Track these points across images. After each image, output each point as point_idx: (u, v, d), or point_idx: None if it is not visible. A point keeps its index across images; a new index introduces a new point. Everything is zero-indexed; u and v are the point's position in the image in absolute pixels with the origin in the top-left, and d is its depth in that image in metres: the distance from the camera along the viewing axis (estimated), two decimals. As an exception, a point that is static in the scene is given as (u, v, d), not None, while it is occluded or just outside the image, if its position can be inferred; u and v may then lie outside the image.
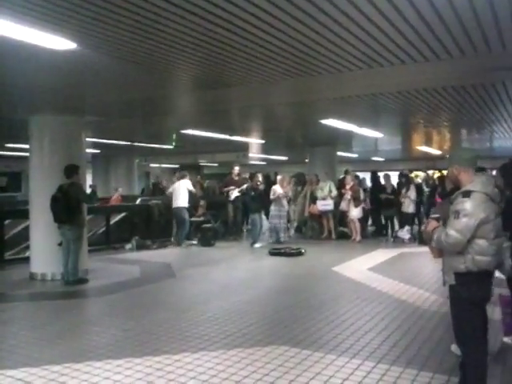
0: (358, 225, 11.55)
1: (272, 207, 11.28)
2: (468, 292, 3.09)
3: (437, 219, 3.29)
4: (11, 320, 5.53)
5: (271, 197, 11.24)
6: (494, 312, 4.67)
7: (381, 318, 5.30)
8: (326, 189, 11.99)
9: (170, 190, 11.57)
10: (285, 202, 11.53)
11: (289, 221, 12.90)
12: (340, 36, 4.27)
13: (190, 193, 11.23)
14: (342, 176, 13.77)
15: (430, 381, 3.60)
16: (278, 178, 11.84)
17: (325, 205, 11.82)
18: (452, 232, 3.00)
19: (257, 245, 10.89)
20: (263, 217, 11.67)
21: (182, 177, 11.40)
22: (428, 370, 3.81)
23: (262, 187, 11.46)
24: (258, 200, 11.10)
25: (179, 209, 11.01)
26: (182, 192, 11.06)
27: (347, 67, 5.36)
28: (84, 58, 4.79)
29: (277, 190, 11.30)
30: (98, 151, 15.68)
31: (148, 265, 8.85)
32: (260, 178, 11.76)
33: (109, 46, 4.44)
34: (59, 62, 4.95)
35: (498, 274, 3.45)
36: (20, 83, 5.97)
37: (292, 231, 12.92)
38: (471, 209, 2.97)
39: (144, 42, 4.35)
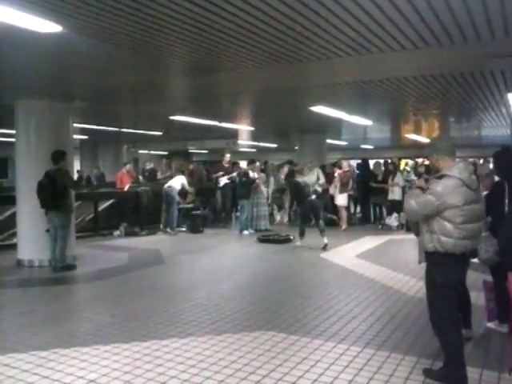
0: (344, 213, 11.59)
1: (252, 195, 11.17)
2: (442, 275, 3.22)
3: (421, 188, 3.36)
4: (-2, 306, 5.50)
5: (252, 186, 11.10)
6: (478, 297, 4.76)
7: (368, 303, 5.36)
8: (314, 176, 11.98)
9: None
10: (263, 188, 11.48)
11: (280, 208, 12.95)
12: (329, 21, 4.22)
13: (183, 187, 11.35)
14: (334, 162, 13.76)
15: (415, 365, 3.66)
16: (256, 164, 11.61)
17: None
18: (412, 201, 3.23)
19: (245, 232, 10.90)
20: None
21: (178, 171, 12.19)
22: (413, 354, 3.87)
23: (253, 175, 11.22)
24: (248, 186, 11.04)
25: (171, 188, 11.05)
26: (176, 180, 11.36)
27: (336, 53, 5.32)
28: (70, 41, 4.69)
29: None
30: (86, 137, 15.53)
31: (136, 251, 8.84)
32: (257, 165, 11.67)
33: (95, 29, 4.35)
34: (45, 46, 4.85)
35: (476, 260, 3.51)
36: (5, 67, 5.85)
37: (286, 218, 12.93)
38: (439, 190, 3.13)
39: (131, 26, 4.27)
